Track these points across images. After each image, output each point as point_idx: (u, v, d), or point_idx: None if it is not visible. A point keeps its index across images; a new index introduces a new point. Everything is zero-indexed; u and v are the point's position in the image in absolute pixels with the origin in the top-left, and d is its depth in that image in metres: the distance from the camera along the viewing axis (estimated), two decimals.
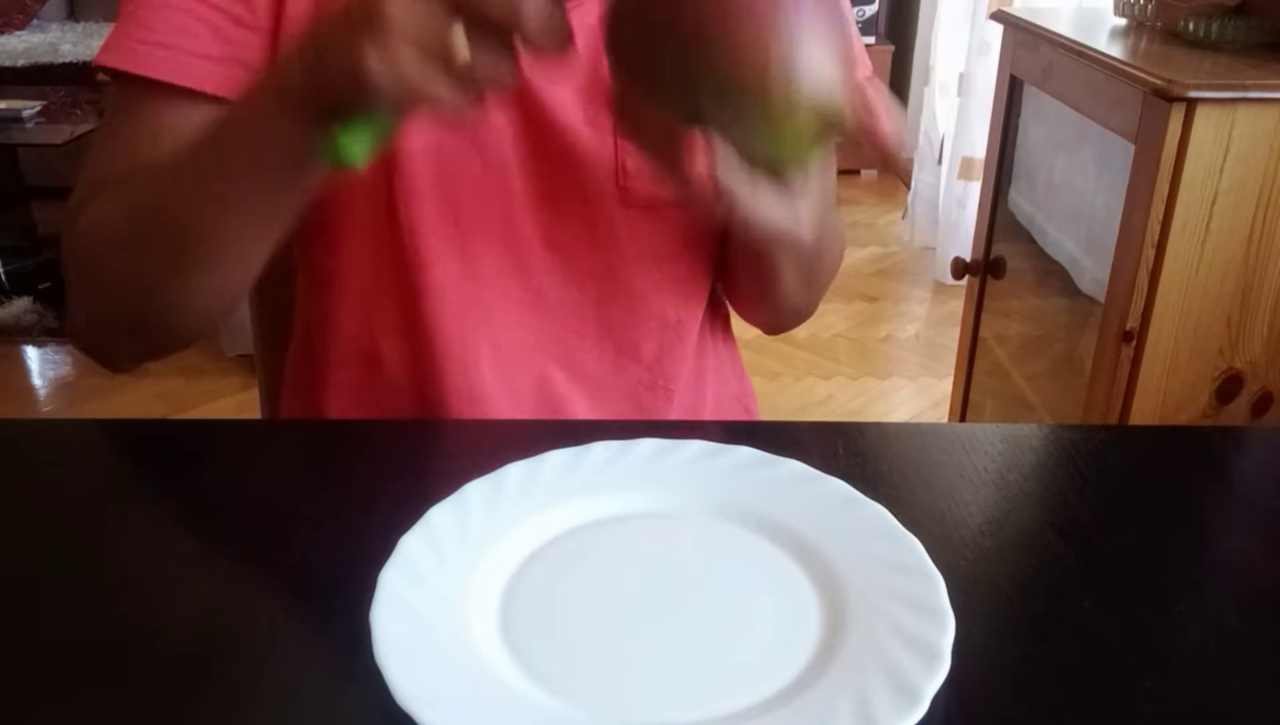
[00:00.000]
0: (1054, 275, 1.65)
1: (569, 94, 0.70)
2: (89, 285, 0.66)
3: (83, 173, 0.68)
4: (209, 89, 0.65)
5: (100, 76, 0.66)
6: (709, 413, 0.83)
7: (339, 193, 0.68)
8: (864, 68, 0.75)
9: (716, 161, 0.45)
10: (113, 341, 0.68)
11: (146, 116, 0.66)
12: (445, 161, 0.69)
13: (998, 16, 1.71)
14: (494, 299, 0.72)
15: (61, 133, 2.68)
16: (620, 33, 0.46)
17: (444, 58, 0.45)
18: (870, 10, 4.04)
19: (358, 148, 0.48)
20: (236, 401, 2.12)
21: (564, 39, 0.46)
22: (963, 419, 1.91)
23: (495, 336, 0.73)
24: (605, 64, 0.70)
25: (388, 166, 0.67)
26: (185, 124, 0.65)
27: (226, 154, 0.56)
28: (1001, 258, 1.77)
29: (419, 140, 0.67)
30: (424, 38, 0.44)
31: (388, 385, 0.74)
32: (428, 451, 0.64)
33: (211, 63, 0.65)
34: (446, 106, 0.46)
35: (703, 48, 0.42)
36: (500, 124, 0.70)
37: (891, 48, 4.12)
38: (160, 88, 0.65)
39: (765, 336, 0.90)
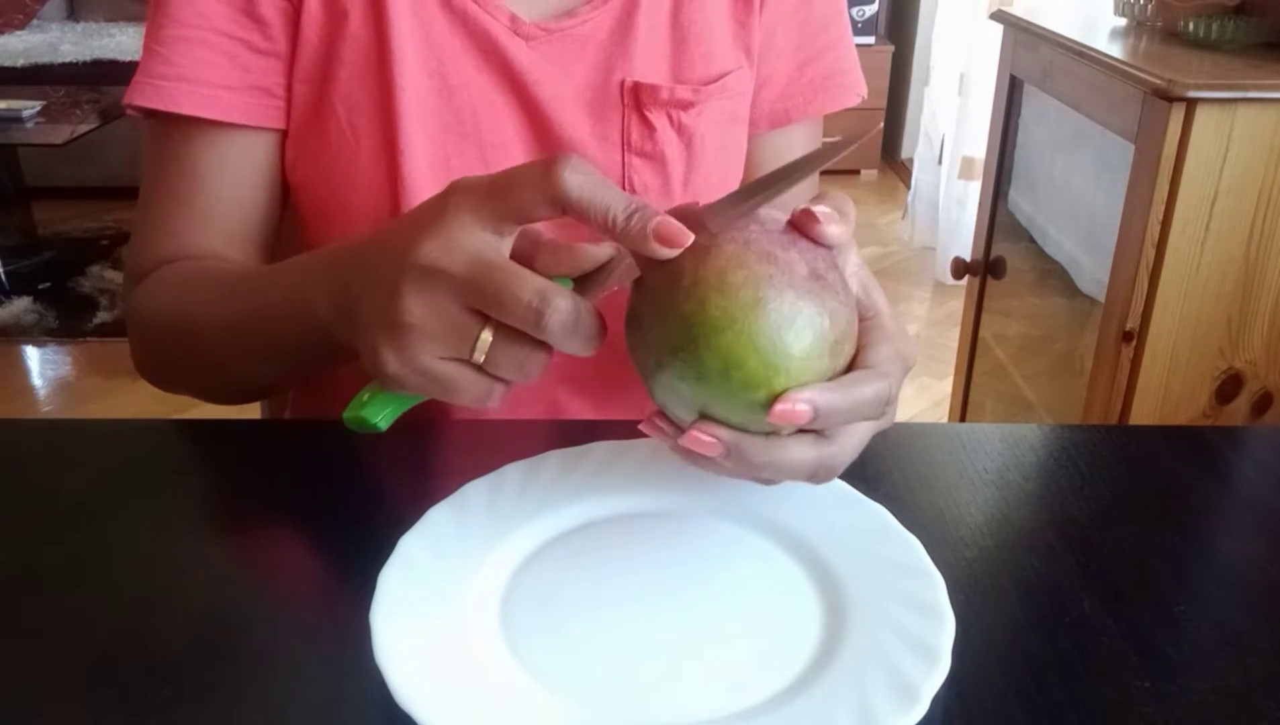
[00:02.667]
0: (1054, 275, 1.65)
1: (577, 108, 0.70)
2: (143, 346, 0.70)
3: (137, 218, 0.72)
4: (234, 119, 0.67)
5: (130, 113, 0.68)
6: None
7: (346, 213, 0.68)
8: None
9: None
10: (171, 386, 0.71)
11: (181, 152, 0.69)
12: (452, 177, 0.69)
13: (998, 16, 1.71)
14: None
15: (61, 133, 2.68)
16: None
17: (466, 359, 0.44)
18: (870, 10, 4.04)
19: (380, 417, 0.47)
20: None
21: (594, 339, 0.44)
22: (963, 419, 1.91)
23: None
24: (613, 79, 0.71)
25: (394, 184, 0.67)
26: (223, 155, 0.69)
27: (264, 332, 0.58)
28: (1001, 258, 1.77)
29: (426, 157, 0.67)
30: (446, 342, 0.43)
31: None
32: (428, 451, 0.64)
33: (234, 92, 0.67)
34: (470, 399, 0.45)
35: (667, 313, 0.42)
36: (508, 139, 0.70)
37: (891, 48, 4.12)
38: (193, 123, 0.67)
39: None
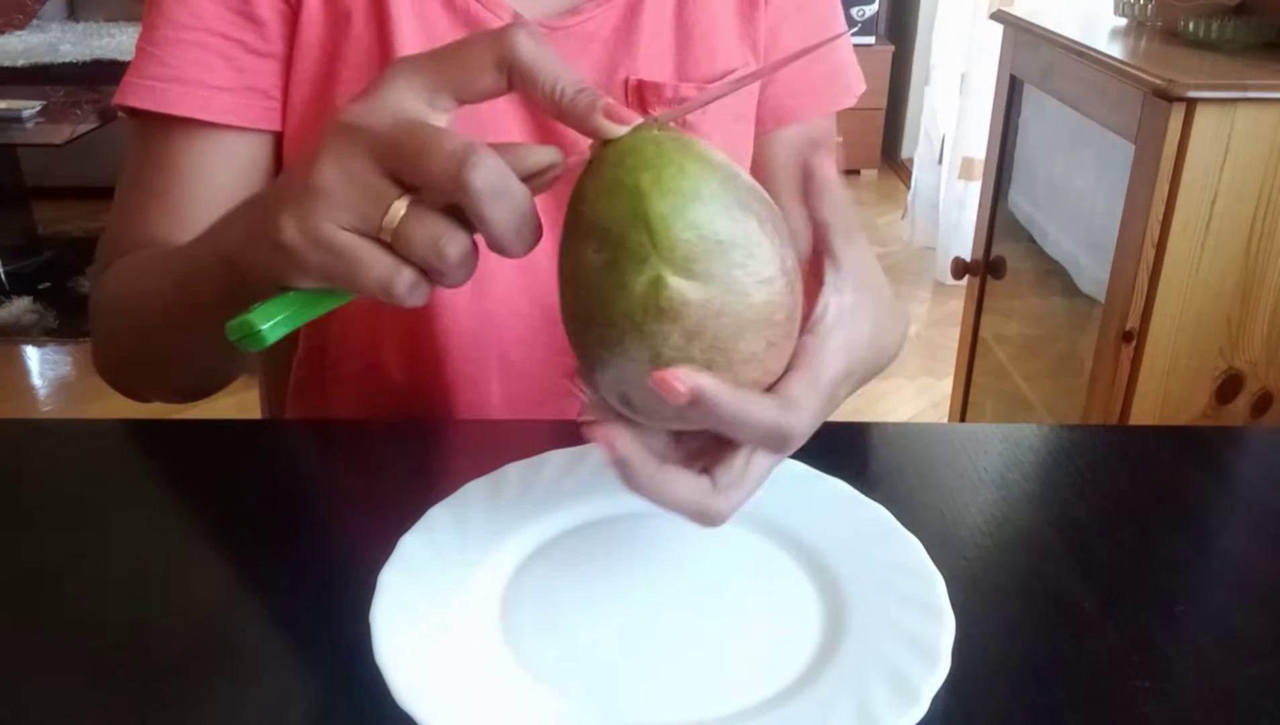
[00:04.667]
0: (1054, 275, 1.65)
1: None
2: (96, 337, 0.69)
3: (111, 214, 0.71)
4: (228, 120, 0.67)
5: (120, 115, 0.67)
6: None
7: None
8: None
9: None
10: (127, 383, 0.70)
11: (169, 153, 0.68)
12: None
13: (998, 16, 1.71)
14: (504, 315, 0.72)
15: (61, 133, 2.68)
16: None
17: (375, 233, 0.39)
18: (870, 10, 4.04)
19: (267, 323, 0.41)
20: (236, 401, 2.12)
21: (525, 219, 0.39)
22: (963, 419, 1.91)
23: (505, 353, 0.73)
24: (617, 77, 0.71)
25: None
26: (207, 156, 0.68)
27: (191, 292, 0.55)
28: (1001, 258, 1.77)
29: None
30: (353, 209, 0.39)
31: (396, 399, 0.74)
32: (428, 451, 0.64)
33: (229, 94, 0.66)
34: (373, 280, 0.39)
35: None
36: (511, 138, 0.70)
37: (891, 48, 4.11)
38: (181, 123, 0.66)
39: None
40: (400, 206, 0.39)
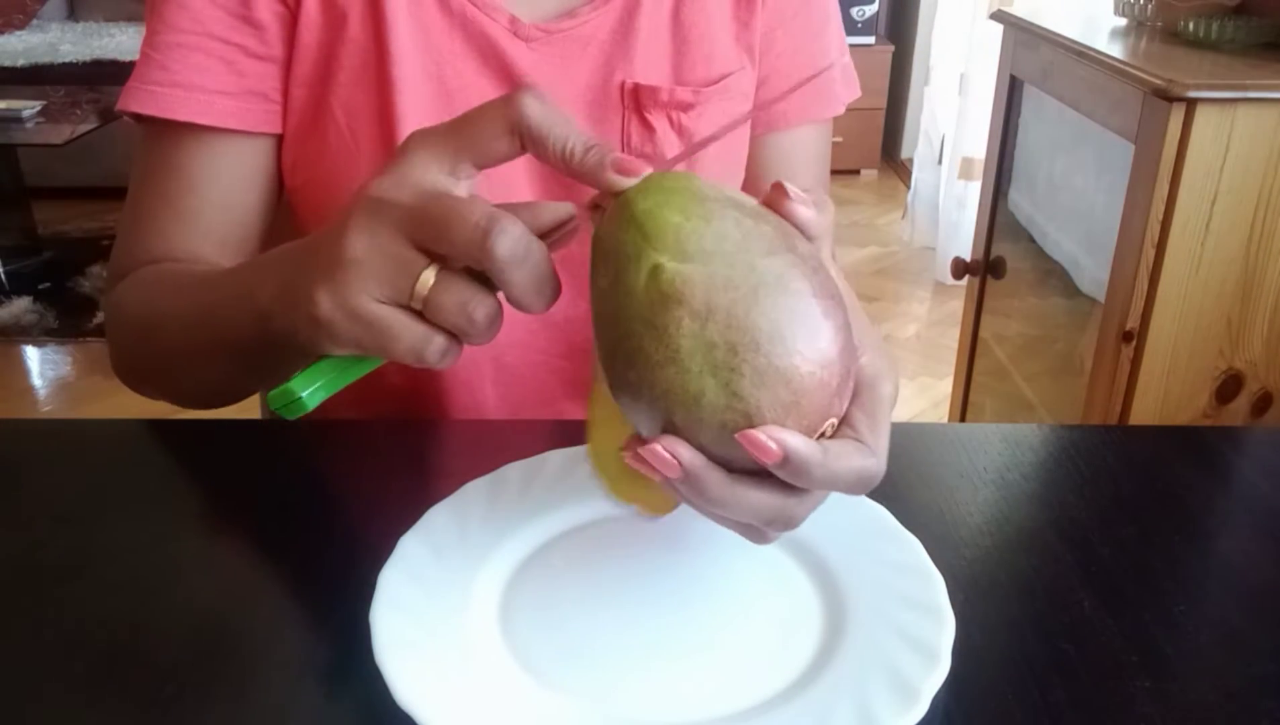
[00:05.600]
0: (1054, 275, 1.65)
1: (577, 110, 0.70)
2: (115, 344, 0.69)
3: (122, 220, 0.71)
4: (231, 125, 0.67)
5: (124, 118, 0.68)
6: None
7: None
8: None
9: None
10: (142, 389, 0.71)
11: (176, 158, 0.68)
12: None
13: (998, 16, 1.71)
14: None
15: (61, 133, 2.69)
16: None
17: (405, 303, 0.41)
18: (870, 10, 4.04)
19: (307, 390, 0.43)
20: None
21: (545, 281, 0.41)
22: (963, 419, 1.91)
23: (500, 355, 0.73)
24: (613, 80, 0.71)
25: None
26: (213, 160, 0.68)
27: (214, 327, 0.57)
28: (1001, 258, 1.77)
29: None
30: (385, 281, 0.40)
31: (394, 400, 0.74)
32: (428, 451, 0.64)
33: (230, 98, 0.66)
34: (405, 349, 0.41)
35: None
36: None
37: (891, 48, 4.12)
38: (183, 127, 0.67)
39: None
40: (429, 276, 0.40)
